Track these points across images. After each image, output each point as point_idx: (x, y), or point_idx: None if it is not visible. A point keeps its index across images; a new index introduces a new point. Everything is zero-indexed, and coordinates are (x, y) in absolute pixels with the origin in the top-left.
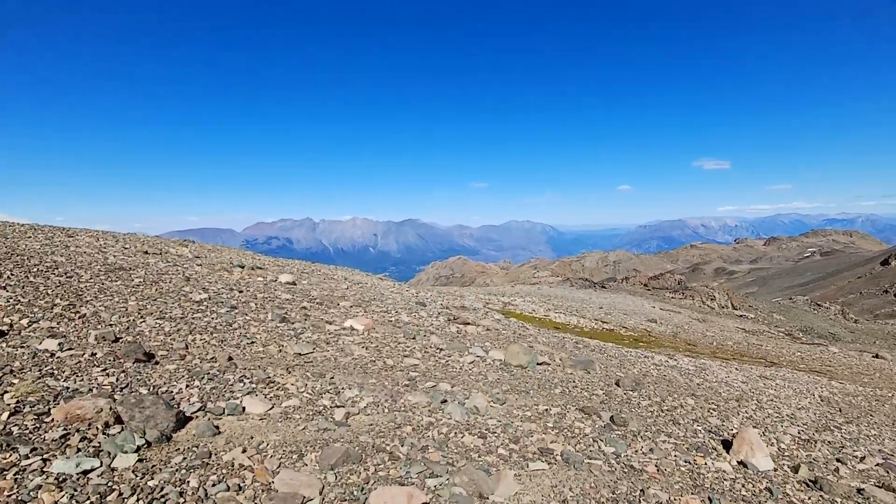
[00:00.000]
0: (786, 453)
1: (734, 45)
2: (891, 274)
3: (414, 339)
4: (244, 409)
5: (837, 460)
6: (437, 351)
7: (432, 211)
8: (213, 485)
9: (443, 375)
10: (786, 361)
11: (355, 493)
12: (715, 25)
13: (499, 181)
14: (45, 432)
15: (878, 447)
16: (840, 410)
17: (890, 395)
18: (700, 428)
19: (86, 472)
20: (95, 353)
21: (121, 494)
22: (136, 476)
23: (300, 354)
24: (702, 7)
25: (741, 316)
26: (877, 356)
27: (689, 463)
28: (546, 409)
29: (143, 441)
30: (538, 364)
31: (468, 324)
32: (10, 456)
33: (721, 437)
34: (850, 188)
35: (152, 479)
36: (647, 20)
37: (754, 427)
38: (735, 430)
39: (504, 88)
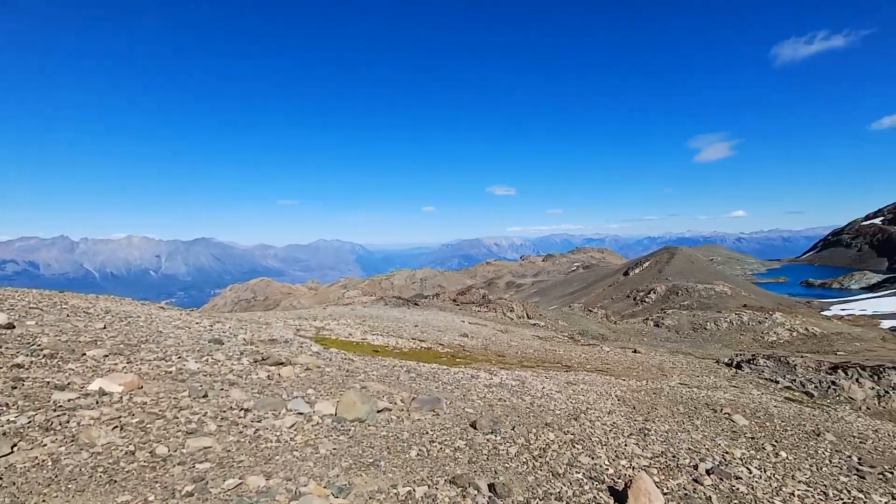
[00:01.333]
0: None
1: (504, 78)
2: (630, 282)
3: (205, 397)
4: None
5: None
6: (241, 415)
7: (231, 229)
8: None
9: (251, 461)
10: (576, 363)
11: None
12: (490, 62)
13: (309, 199)
14: None
15: (691, 448)
16: (634, 408)
17: (659, 387)
18: (581, 476)
19: None
20: None
21: None
22: None
23: None
24: (486, 45)
25: (535, 324)
26: (635, 351)
27: None
28: (409, 492)
29: None
30: (378, 412)
31: (281, 364)
32: None
33: (607, 485)
34: (601, 214)
35: None
36: (443, 54)
37: (602, 445)
38: (610, 469)
39: (318, 102)
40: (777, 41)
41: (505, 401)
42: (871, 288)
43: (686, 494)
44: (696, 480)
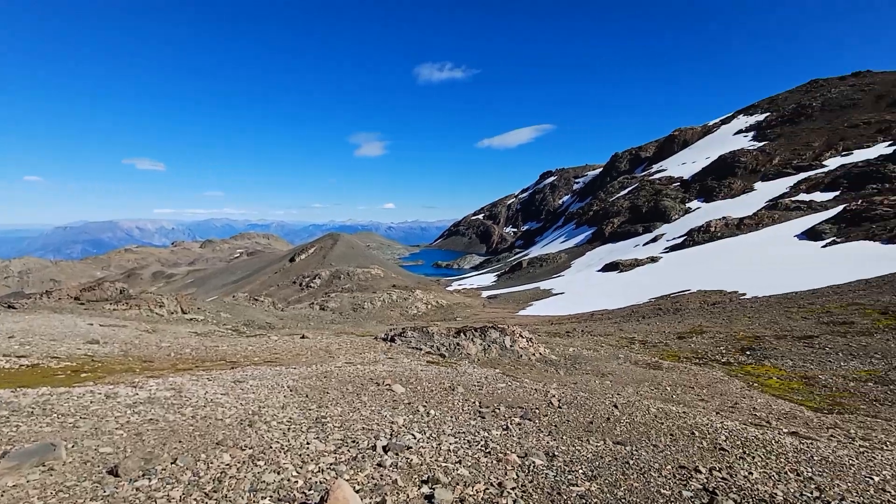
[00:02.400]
0: (358, 483)
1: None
2: (296, 268)
3: None
4: None
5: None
6: None
7: None
8: None
9: None
10: (242, 357)
11: None
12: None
13: None
14: None
15: (366, 427)
16: (308, 396)
17: (328, 369)
18: (269, 502)
19: None
20: None
21: None
22: None
23: None
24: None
25: (192, 319)
26: (303, 337)
27: None
28: None
29: None
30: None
31: None
32: None
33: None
34: (267, 199)
35: None
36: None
37: (285, 451)
38: (299, 482)
39: None
40: (420, 62)
41: (158, 421)
42: (476, 267)
43: (376, 485)
44: (379, 465)
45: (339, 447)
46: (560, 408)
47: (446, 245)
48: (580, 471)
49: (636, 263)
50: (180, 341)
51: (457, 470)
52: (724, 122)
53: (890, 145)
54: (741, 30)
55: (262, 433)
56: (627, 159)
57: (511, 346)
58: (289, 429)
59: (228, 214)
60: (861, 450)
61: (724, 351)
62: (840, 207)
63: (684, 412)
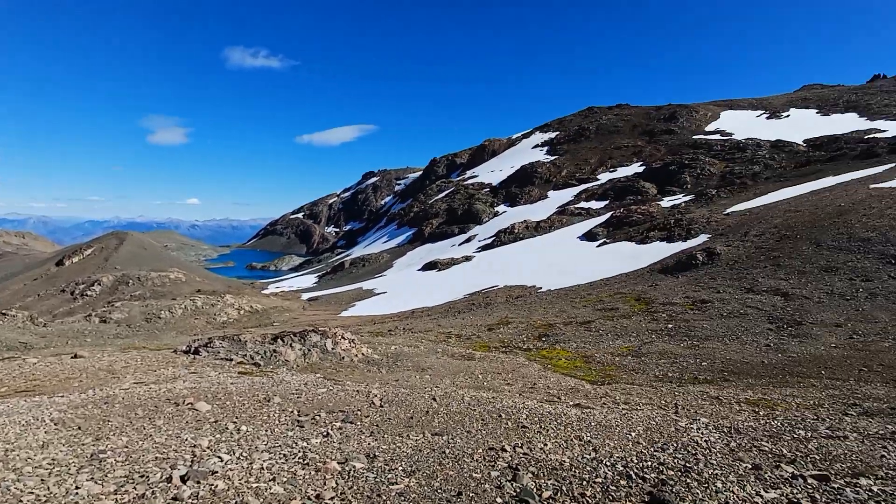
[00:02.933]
0: None
1: None
2: (66, 274)
3: None
4: None
5: None
6: None
7: None
8: None
9: None
10: None
11: None
12: None
13: None
14: None
15: (159, 456)
16: (80, 429)
17: (111, 393)
18: None
19: None
20: None
21: None
22: None
23: None
24: None
25: None
26: (75, 356)
27: None
28: None
29: None
30: None
31: None
32: None
33: None
34: (24, 188)
35: None
36: None
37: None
38: None
39: None
40: (229, 44)
41: None
42: (296, 269)
43: None
44: (175, 499)
45: (122, 486)
46: (382, 407)
47: (262, 245)
48: (400, 468)
49: (453, 262)
50: None
51: (270, 489)
52: (525, 136)
53: (641, 165)
54: (540, 58)
55: (9, 485)
56: (445, 164)
57: (333, 348)
58: (50, 473)
59: None
60: (623, 412)
61: (525, 339)
62: (609, 214)
63: (493, 397)
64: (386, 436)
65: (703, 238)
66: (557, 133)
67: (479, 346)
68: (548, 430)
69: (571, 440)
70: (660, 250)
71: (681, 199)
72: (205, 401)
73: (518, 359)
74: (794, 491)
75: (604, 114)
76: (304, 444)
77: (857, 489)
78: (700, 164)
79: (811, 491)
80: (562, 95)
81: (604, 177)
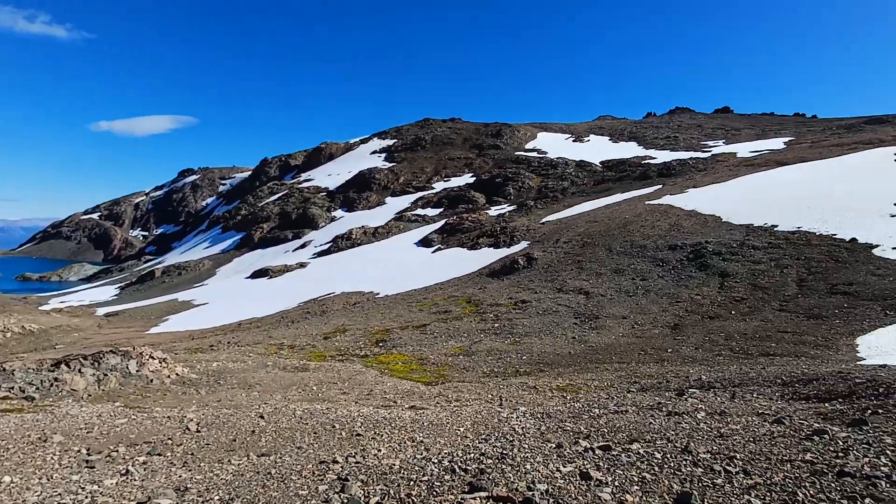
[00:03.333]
0: None
1: None
2: None
3: None
4: None
5: None
6: None
7: None
8: None
9: None
10: None
11: None
12: None
13: None
14: None
15: None
16: None
17: None
18: None
19: None
20: None
21: None
22: None
23: None
24: None
25: None
26: None
27: None
28: None
29: None
30: None
31: None
32: None
33: None
34: None
35: None
36: None
37: None
38: None
39: None
40: None
41: None
42: (90, 279)
43: None
44: None
45: None
46: (199, 432)
47: (40, 252)
48: (216, 498)
49: (286, 269)
50: None
51: None
52: (363, 141)
53: (472, 176)
54: (378, 62)
55: None
56: (277, 165)
57: (138, 370)
58: None
59: None
60: (454, 409)
61: (362, 345)
62: (443, 221)
63: (328, 408)
64: (202, 464)
65: (523, 244)
66: (395, 141)
67: (315, 356)
68: (382, 436)
69: (405, 442)
70: (488, 255)
71: (506, 208)
72: None
73: (355, 366)
74: (585, 462)
75: (439, 126)
76: (95, 487)
77: (629, 453)
78: (521, 178)
79: (597, 460)
80: (400, 102)
81: (439, 185)
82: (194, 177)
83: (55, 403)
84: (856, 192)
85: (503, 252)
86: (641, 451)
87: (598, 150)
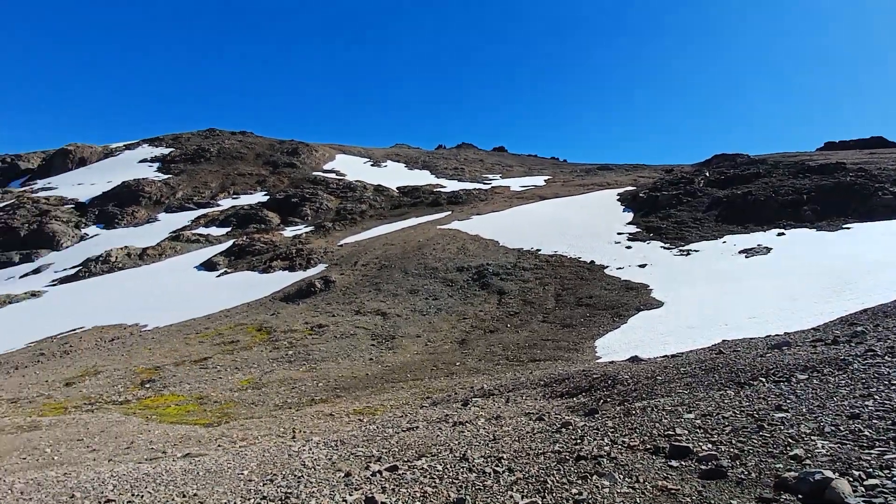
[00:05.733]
0: None
1: None
2: None
3: None
4: None
5: None
6: None
7: None
8: None
9: None
10: None
11: None
12: None
13: None
14: None
15: None
16: None
17: None
18: None
19: None
20: None
21: None
22: None
23: None
24: None
25: None
26: None
27: None
28: None
29: None
30: None
31: None
32: None
33: None
34: None
35: None
36: None
37: None
38: None
39: None
40: None
41: None
42: None
43: None
44: None
45: None
46: None
47: None
48: None
49: (9, 300)
50: None
51: None
52: (128, 147)
53: (265, 195)
54: (148, 58)
55: None
56: (0, 167)
57: None
58: None
59: None
60: (239, 450)
61: (121, 389)
62: (230, 242)
63: (66, 474)
64: None
65: (321, 267)
66: (172, 150)
67: (51, 409)
68: (143, 497)
69: (173, 500)
70: (283, 279)
71: (302, 229)
72: None
73: (110, 416)
74: (372, 487)
75: (227, 138)
76: None
77: (415, 470)
78: (319, 199)
79: (384, 482)
80: (179, 108)
81: (226, 203)
82: None
83: None
84: (591, 223)
85: (299, 275)
86: (426, 465)
87: (395, 175)
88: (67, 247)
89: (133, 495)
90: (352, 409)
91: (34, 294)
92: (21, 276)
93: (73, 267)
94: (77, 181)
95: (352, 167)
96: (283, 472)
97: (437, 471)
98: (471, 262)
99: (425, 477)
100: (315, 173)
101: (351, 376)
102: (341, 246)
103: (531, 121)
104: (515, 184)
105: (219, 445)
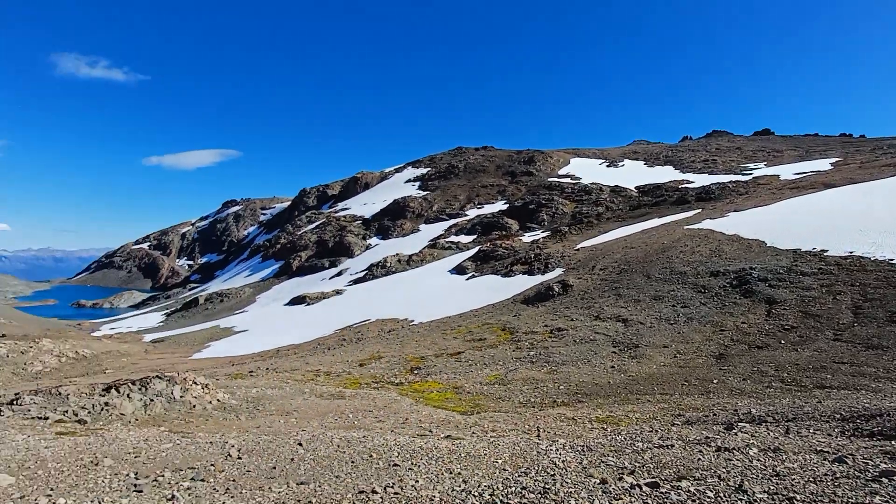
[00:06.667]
0: None
1: None
2: None
3: None
4: None
5: None
6: None
7: None
8: None
9: None
10: None
11: None
12: None
13: None
14: None
15: None
16: None
17: None
18: None
19: None
20: None
21: None
22: None
23: None
24: None
25: None
26: None
27: None
28: None
29: None
30: None
31: None
32: None
33: None
34: None
35: None
36: None
37: None
38: None
39: None
40: (58, 49)
41: None
42: (138, 306)
43: None
44: None
45: None
46: (240, 458)
47: (94, 280)
48: None
49: (322, 296)
50: None
51: None
52: (397, 170)
53: (505, 203)
54: (411, 94)
55: None
56: (315, 195)
57: (182, 396)
58: None
59: None
60: (491, 440)
61: (397, 373)
62: (476, 248)
63: (364, 436)
64: (244, 491)
65: (558, 271)
66: (429, 169)
67: (350, 384)
68: (419, 466)
69: (442, 474)
70: (522, 282)
71: (539, 234)
72: (7, 473)
73: (390, 394)
74: (632, 500)
75: (471, 154)
76: None
77: (679, 491)
78: (555, 204)
79: (645, 498)
80: (432, 134)
81: (472, 212)
82: (237, 207)
83: (105, 427)
84: None
85: (537, 279)
86: (692, 488)
87: (633, 174)
88: (358, 255)
89: (413, 464)
90: (594, 415)
91: (338, 292)
92: (330, 278)
93: (362, 271)
94: (363, 202)
95: (587, 170)
96: (536, 468)
97: (708, 497)
98: (728, 265)
99: (693, 501)
100: (550, 179)
101: (592, 382)
102: (578, 250)
103: (807, 91)
104: (786, 171)
105: (473, 433)
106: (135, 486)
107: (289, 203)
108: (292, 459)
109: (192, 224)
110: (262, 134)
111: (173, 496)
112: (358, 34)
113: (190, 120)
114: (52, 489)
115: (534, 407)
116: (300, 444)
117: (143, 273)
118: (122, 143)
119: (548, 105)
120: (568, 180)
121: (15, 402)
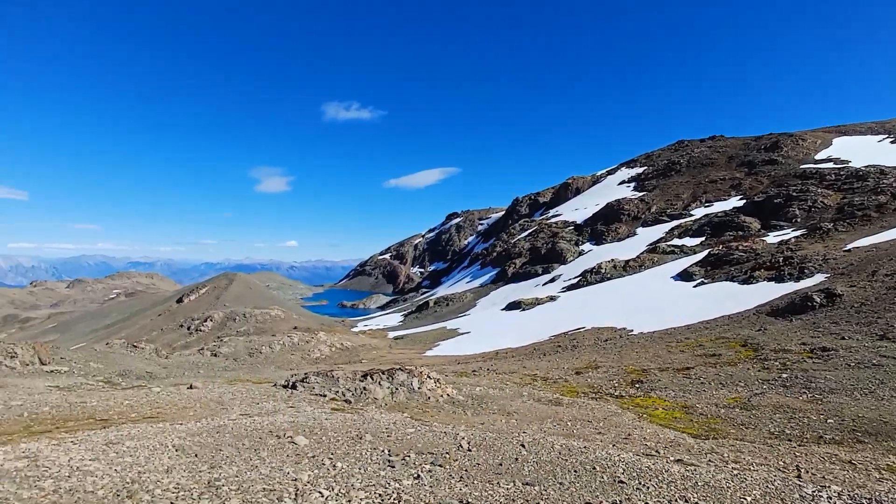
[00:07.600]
0: None
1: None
2: (184, 310)
3: None
4: None
5: None
6: None
7: None
8: None
9: None
10: (116, 414)
11: None
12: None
13: None
14: None
15: (266, 487)
16: (197, 456)
17: (222, 423)
18: None
19: None
20: None
21: None
22: None
23: None
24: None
25: (53, 371)
26: (191, 387)
27: None
28: None
29: None
30: None
31: None
32: None
33: None
34: (152, 235)
35: None
36: None
37: None
38: None
39: None
40: (326, 100)
41: (9, 501)
42: (383, 307)
43: None
44: None
45: None
46: (470, 450)
47: (352, 285)
48: None
49: (536, 302)
50: (37, 398)
51: None
52: (610, 172)
53: (741, 199)
54: (623, 95)
55: None
56: (527, 203)
57: (419, 388)
58: (177, 497)
59: (104, 251)
60: (734, 472)
61: (616, 384)
62: (706, 252)
63: (585, 447)
64: (476, 482)
65: (819, 277)
66: (645, 168)
67: (567, 391)
68: (648, 488)
69: (676, 500)
70: (767, 290)
71: (790, 234)
72: (303, 435)
73: (609, 406)
74: None
75: (696, 147)
76: (397, 484)
77: None
78: (811, 196)
79: None
80: (649, 131)
81: (698, 212)
82: (458, 219)
83: (364, 408)
84: None
85: (789, 287)
86: None
87: None
88: (570, 261)
89: (640, 483)
90: (883, 462)
91: (551, 298)
92: (543, 284)
93: (575, 277)
94: (574, 207)
95: (858, 150)
96: None
97: None
98: None
99: None
100: (803, 166)
101: (878, 419)
102: (848, 251)
103: None
104: None
105: (709, 460)
106: (388, 461)
107: (503, 212)
108: (516, 459)
109: (423, 236)
110: (477, 151)
111: (419, 475)
112: (559, 42)
113: (419, 144)
114: (332, 454)
115: (790, 441)
116: (523, 446)
117: (386, 279)
118: (369, 169)
119: (790, 82)
120: (830, 165)
121: (305, 381)
